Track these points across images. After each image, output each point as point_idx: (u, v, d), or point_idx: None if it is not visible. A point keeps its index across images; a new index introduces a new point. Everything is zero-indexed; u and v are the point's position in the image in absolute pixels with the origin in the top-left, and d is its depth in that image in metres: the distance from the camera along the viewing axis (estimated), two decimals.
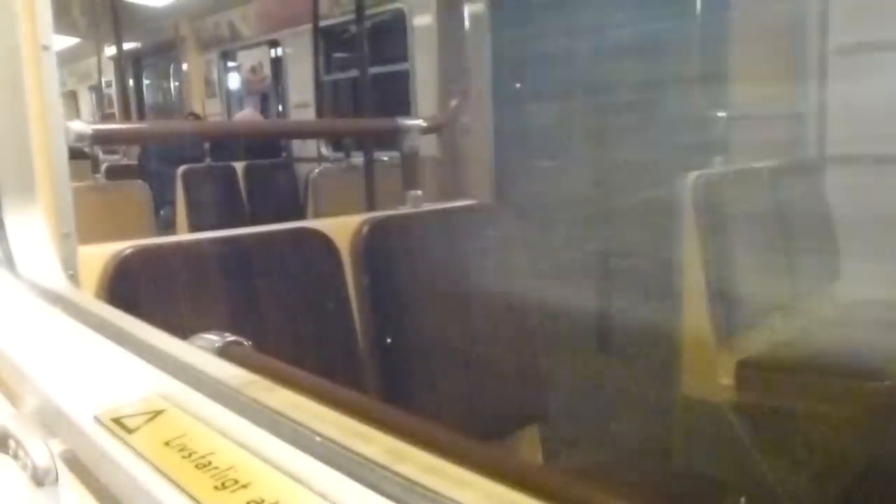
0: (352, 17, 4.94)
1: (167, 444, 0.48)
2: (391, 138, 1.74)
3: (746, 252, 2.68)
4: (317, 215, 4.24)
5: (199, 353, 0.63)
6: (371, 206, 3.22)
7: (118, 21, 4.54)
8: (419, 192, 1.74)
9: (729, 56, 3.48)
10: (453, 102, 1.81)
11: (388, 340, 1.55)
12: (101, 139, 1.28)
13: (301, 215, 4.72)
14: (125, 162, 6.57)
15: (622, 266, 4.26)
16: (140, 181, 4.74)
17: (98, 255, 1.26)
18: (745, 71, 3.43)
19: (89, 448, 0.53)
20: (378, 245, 1.60)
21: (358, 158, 4.62)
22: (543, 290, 2.19)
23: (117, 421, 0.52)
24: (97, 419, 0.54)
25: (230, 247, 1.41)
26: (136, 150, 6.72)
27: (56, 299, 1.00)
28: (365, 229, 1.60)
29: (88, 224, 1.42)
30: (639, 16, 4.42)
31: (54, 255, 1.20)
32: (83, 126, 1.29)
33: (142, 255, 1.30)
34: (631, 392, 3.46)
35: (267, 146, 6.39)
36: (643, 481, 1.77)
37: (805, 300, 3.03)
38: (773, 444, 2.45)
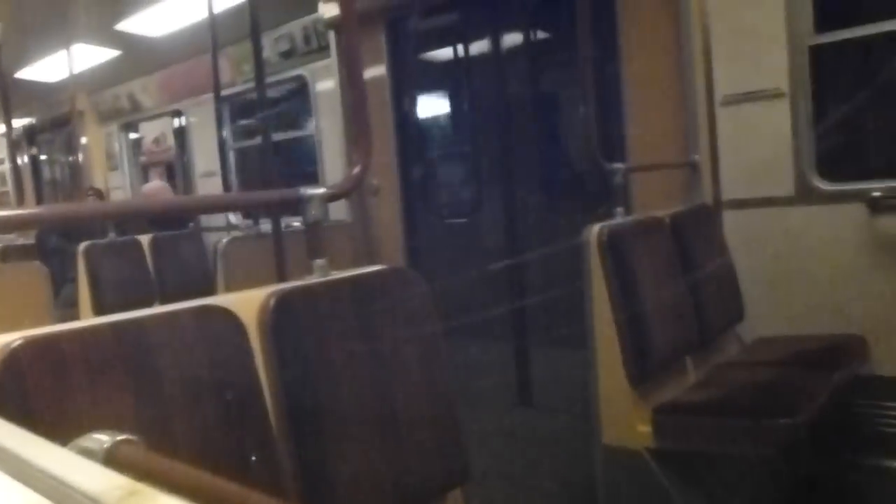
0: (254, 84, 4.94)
1: None
2: (296, 207, 1.71)
3: (654, 299, 2.75)
4: (228, 287, 4.13)
5: (79, 462, 0.58)
6: (281, 277, 3.16)
7: (6, 98, 4.39)
8: (325, 261, 1.72)
9: (624, 110, 3.63)
10: (357, 169, 1.79)
11: (302, 418, 1.51)
12: None
13: (211, 287, 4.60)
14: (21, 242, 6.28)
15: (537, 319, 4.31)
16: (37, 262, 4.52)
17: None
18: (640, 124, 3.59)
19: None
20: (286, 318, 1.56)
21: (267, 225, 4.55)
22: (460, 350, 2.19)
23: None
24: None
25: (131, 331, 1.34)
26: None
27: None
28: (272, 302, 1.56)
29: None
30: (533, 73, 4.58)
31: None
32: None
33: (33, 346, 1.22)
34: (553, 444, 3.47)
35: (173, 216, 6.24)
36: None
37: (713, 341, 3.12)
38: (693, 488, 2.49)
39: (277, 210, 3.45)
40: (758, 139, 3.32)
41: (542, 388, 4.18)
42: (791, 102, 3.21)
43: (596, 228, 2.65)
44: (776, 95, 3.24)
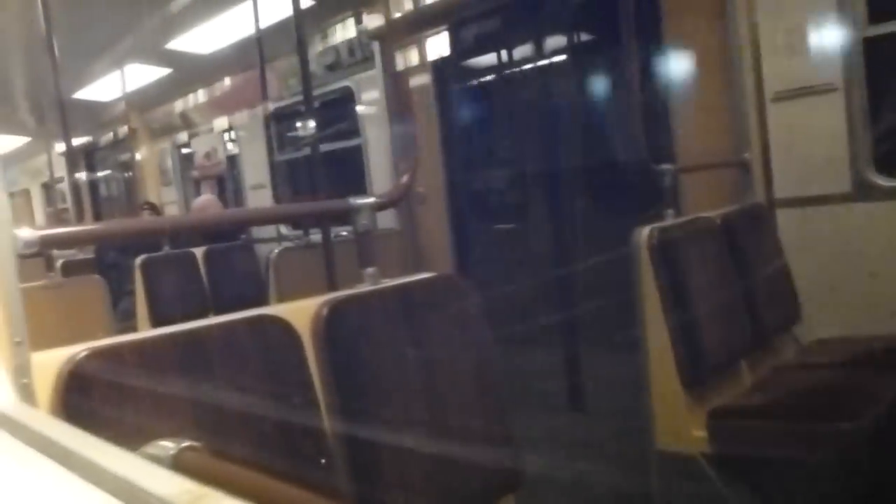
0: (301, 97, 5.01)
1: None
2: (345, 217, 1.74)
3: (706, 300, 2.70)
4: (280, 297, 4.20)
5: (149, 467, 0.60)
6: (332, 286, 3.20)
7: (65, 118, 4.55)
8: (375, 269, 1.74)
9: (671, 109, 3.58)
10: (404, 178, 1.81)
11: (356, 424, 1.53)
12: (51, 244, 1.26)
13: (264, 297, 4.68)
14: (81, 256, 6.48)
15: (587, 323, 4.27)
16: (96, 276, 4.65)
17: (52, 361, 1.23)
18: (688, 122, 3.54)
19: None
20: (339, 326, 1.59)
21: (317, 235, 4.62)
22: (511, 356, 2.18)
23: None
24: None
25: (189, 342, 1.38)
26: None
27: (1, 419, 0.96)
28: (324, 311, 1.58)
29: (42, 327, 1.39)
30: (576, 74, 4.55)
31: (3, 366, 1.17)
32: (31, 233, 1.27)
33: (97, 357, 1.26)
34: (605, 450, 3.43)
35: (224, 229, 6.36)
36: None
37: (769, 343, 3.06)
38: (751, 494, 2.44)
39: (328, 221, 3.50)
40: (811, 135, 3.24)
41: (594, 393, 4.14)
42: (846, 97, 3.13)
43: (646, 231, 2.61)
44: (829, 90, 3.16)
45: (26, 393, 1.18)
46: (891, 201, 3.08)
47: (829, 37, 3.13)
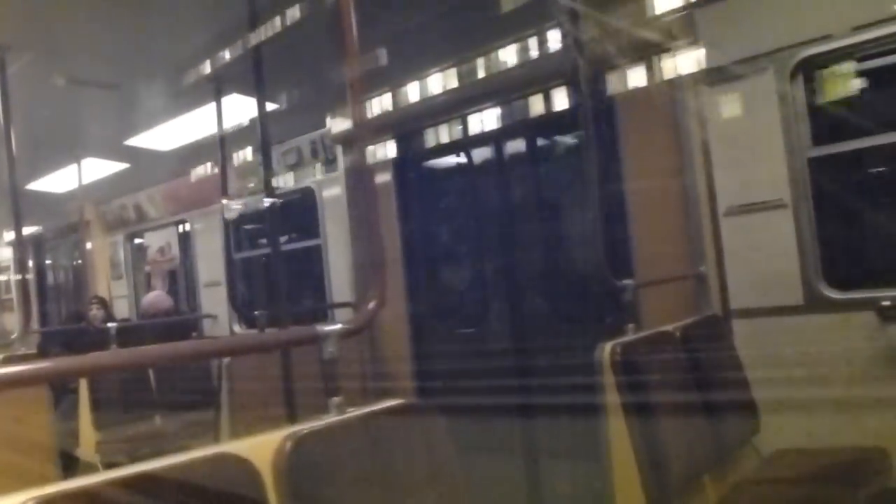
0: (261, 196, 5.00)
1: None
2: (311, 344, 1.69)
3: (668, 414, 2.69)
4: (232, 404, 4.06)
5: None
6: (291, 416, 3.10)
7: (17, 208, 4.43)
8: (340, 399, 1.69)
9: (630, 228, 3.65)
10: (371, 304, 1.80)
11: None
12: None
13: (215, 402, 4.52)
14: (23, 351, 6.22)
15: (550, 431, 4.22)
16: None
17: None
18: (646, 236, 3.61)
19: None
20: (303, 461, 1.53)
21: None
22: (472, 466, 2.12)
23: None
24: None
25: (145, 485, 1.30)
26: (34, 336, 6.42)
27: None
28: (287, 446, 1.52)
29: None
30: (537, 184, 4.63)
31: None
32: None
33: None
34: None
35: (175, 327, 6.23)
36: None
37: (731, 456, 3.04)
38: None
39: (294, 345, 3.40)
40: (763, 249, 3.33)
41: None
42: (794, 213, 3.23)
43: (608, 347, 2.62)
44: (779, 206, 3.27)
45: None
46: (841, 313, 3.14)
47: (777, 155, 3.26)
